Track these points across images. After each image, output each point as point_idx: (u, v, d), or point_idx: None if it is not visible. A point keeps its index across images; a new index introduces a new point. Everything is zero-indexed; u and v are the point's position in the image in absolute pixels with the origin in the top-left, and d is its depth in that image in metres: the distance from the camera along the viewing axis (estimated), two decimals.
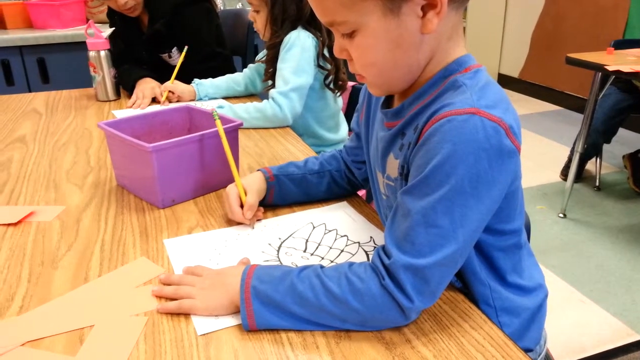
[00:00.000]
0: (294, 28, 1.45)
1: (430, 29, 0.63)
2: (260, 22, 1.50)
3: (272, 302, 0.64)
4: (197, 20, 1.82)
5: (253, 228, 0.90)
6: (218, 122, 0.95)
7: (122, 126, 1.04)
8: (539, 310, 0.79)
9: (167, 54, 1.85)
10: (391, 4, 0.61)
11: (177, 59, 1.75)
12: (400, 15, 0.62)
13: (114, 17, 1.84)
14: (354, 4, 0.62)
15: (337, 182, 0.99)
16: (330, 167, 0.99)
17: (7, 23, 2.61)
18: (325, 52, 1.48)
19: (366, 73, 0.70)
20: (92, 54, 1.65)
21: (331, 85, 1.52)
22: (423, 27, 0.63)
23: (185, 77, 1.69)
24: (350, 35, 0.66)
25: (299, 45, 1.43)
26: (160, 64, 1.86)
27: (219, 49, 1.93)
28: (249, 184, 0.92)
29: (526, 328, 0.77)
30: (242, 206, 0.90)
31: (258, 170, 0.96)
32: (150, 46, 1.82)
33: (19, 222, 0.93)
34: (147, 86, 1.67)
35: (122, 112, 1.59)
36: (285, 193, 0.96)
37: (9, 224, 0.92)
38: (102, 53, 1.65)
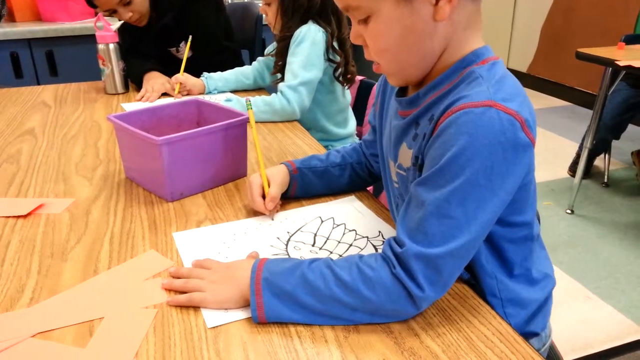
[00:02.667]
0: (304, 21, 1.45)
1: (443, 17, 0.63)
2: (271, 15, 1.49)
3: (283, 292, 0.64)
4: (206, 14, 1.82)
5: (273, 219, 0.91)
6: (250, 111, 0.95)
7: (132, 119, 1.04)
8: (545, 302, 0.79)
9: (175, 48, 1.85)
10: None
11: (189, 53, 1.76)
12: (413, 2, 0.63)
13: None
14: None
15: (358, 174, 1.00)
16: (352, 160, 1.00)
17: (16, 16, 2.62)
18: (335, 44, 1.47)
19: (380, 59, 0.71)
20: (101, 46, 1.65)
21: (340, 78, 1.52)
22: (436, 14, 0.64)
23: (194, 71, 1.69)
24: (365, 21, 0.67)
25: (310, 39, 1.42)
26: (169, 58, 1.86)
27: (228, 43, 1.93)
28: (272, 175, 0.92)
29: (532, 318, 0.77)
30: (263, 197, 0.91)
31: (281, 163, 0.97)
32: (159, 40, 1.82)
33: (29, 214, 0.93)
34: (157, 81, 1.68)
35: (131, 105, 1.60)
36: (308, 186, 0.97)
37: (18, 216, 0.92)
38: (111, 46, 1.65)
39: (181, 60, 1.69)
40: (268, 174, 0.92)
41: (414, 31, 0.65)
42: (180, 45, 1.84)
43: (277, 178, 0.92)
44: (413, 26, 0.65)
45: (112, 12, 1.68)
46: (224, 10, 1.91)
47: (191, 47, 1.67)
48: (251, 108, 0.95)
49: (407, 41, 0.66)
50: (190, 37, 1.69)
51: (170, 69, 1.72)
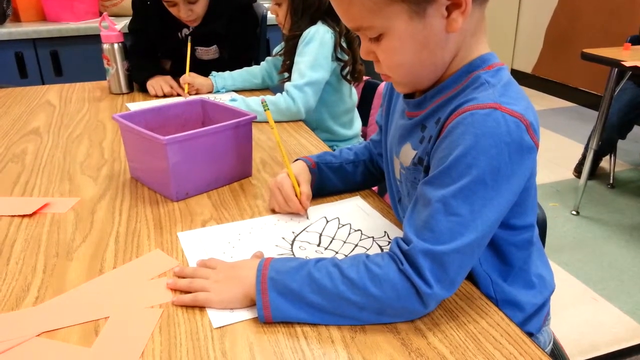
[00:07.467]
0: (313, 20, 1.45)
1: (456, 28, 0.64)
2: (282, 15, 1.49)
3: (289, 291, 0.64)
4: (248, 27, 1.86)
5: (308, 218, 0.91)
6: (268, 112, 0.94)
7: (137, 119, 1.04)
8: (543, 306, 0.80)
9: (204, 49, 1.84)
10: (417, 6, 0.62)
11: (210, 55, 1.81)
12: (425, 17, 0.63)
13: (146, 7, 1.77)
14: (380, 10, 0.63)
15: (370, 171, 1.01)
16: (364, 157, 1.01)
17: (21, 16, 2.62)
18: (343, 43, 1.47)
19: (393, 73, 0.72)
20: (106, 46, 1.65)
21: (348, 76, 1.52)
22: (448, 27, 0.64)
23: (221, 70, 1.75)
24: (377, 38, 0.67)
25: (318, 40, 1.42)
26: (184, 55, 1.84)
27: (254, 53, 1.97)
28: (298, 173, 0.92)
29: (528, 320, 0.78)
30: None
31: (298, 159, 0.97)
32: (193, 40, 1.79)
33: (34, 213, 0.93)
34: (157, 82, 1.69)
35: (136, 105, 1.60)
36: (324, 181, 0.97)
37: (23, 215, 0.92)
38: (116, 46, 1.65)
39: (199, 60, 1.70)
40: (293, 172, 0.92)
41: (427, 45, 0.66)
42: (211, 48, 1.84)
43: (304, 176, 0.93)
44: (426, 40, 0.65)
45: (172, 5, 1.66)
46: (259, 26, 1.98)
47: (229, 52, 1.68)
48: (268, 109, 0.94)
49: (421, 55, 0.67)
50: (190, 37, 1.69)
51: (183, 67, 1.72)
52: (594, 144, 2.42)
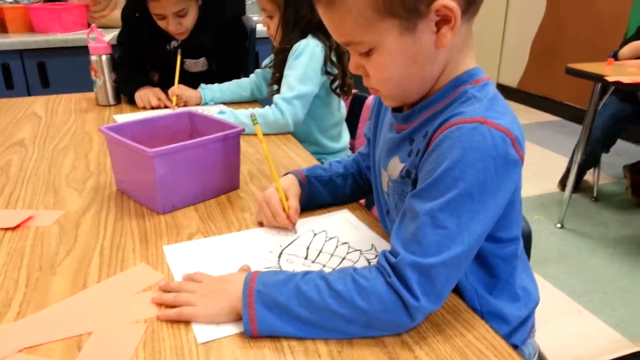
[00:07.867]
0: (304, 34, 1.46)
1: (445, 43, 0.65)
2: (273, 28, 1.50)
3: (276, 304, 0.63)
4: (237, 39, 1.88)
5: (296, 232, 0.90)
6: (257, 126, 0.94)
7: (124, 131, 1.03)
8: (528, 318, 0.80)
9: (193, 61, 1.85)
10: (407, 22, 0.63)
11: (199, 68, 1.80)
12: (416, 32, 0.64)
13: (135, 19, 1.78)
14: (371, 25, 0.64)
15: (359, 184, 1.01)
16: (353, 170, 1.01)
17: (8, 27, 2.61)
18: (333, 57, 1.48)
19: (382, 87, 0.73)
20: (93, 58, 1.65)
21: (337, 90, 1.52)
22: (438, 42, 0.65)
23: (209, 82, 1.75)
24: (367, 53, 0.68)
25: (308, 53, 1.43)
26: (172, 67, 1.84)
27: (242, 66, 1.98)
28: (287, 187, 0.92)
29: (513, 332, 0.78)
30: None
31: (288, 173, 0.97)
32: (183, 51, 1.78)
33: (17, 226, 0.92)
34: (146, 93, 1.69)
35: (123, 117, 1.59)
36: (314, 195, 0.97)
37: (7, 228, 0.91)
38: (104, 57, 1.65)
39: (186, 71, 1.71)
40: (282, 186, 0.92)
41: (417, 60, 0.67)
42: (199, 60, 1.84)
43: (293, 190, 0.93)
44: (416, 55, 0.66)
45: (161, 18, 1.67)
46: (248, 39, 2.01)
47: (217, 64, 1.69)
48: (257, 123, 0.94)
49: (411, 70, 0.68)
50: (180, 50, 1.69)
51: (171, 78, 1.72)
52: (578, 158, 2.46)
